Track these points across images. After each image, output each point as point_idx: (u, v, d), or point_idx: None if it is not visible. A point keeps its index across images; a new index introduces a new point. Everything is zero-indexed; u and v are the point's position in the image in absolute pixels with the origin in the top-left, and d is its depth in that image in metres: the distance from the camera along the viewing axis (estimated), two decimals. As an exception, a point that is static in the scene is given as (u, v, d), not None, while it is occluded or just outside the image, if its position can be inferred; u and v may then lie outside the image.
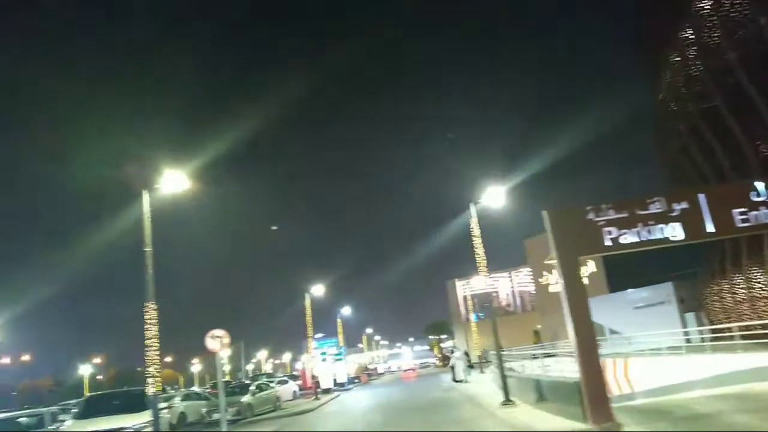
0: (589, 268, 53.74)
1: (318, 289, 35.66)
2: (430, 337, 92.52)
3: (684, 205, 11.74)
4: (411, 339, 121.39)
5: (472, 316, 66.75)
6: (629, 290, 35.99)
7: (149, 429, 13.90)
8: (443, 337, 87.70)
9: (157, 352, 13.64)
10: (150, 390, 14.05)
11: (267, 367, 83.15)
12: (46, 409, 19.71)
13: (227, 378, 60.85)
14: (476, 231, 17.30)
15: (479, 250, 17.19)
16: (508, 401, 16.74)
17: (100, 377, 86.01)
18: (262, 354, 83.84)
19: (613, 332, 32.91)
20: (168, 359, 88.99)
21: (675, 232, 11.63)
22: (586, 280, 39.92)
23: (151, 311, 13.38)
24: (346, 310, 51.03)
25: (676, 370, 16.53)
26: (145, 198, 13.32)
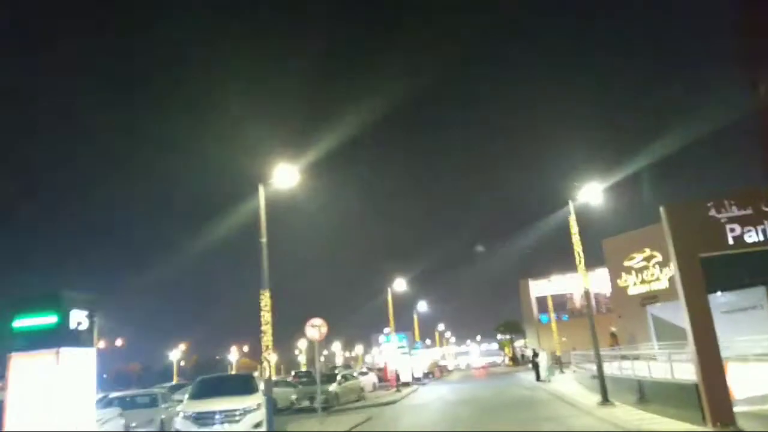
0: (670, 271, 51.55)
1: (399, 284, 36.03)
2: (499, 336, 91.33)
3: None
4: (478, 337, 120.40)
5: (547, 316, 65.59)
6: (717, 294, 34.37)
7: (258, 411, 14.52)
8: (509, 337, 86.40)
9: (271, 339, 14.22)
10: (265, 374, 14.67)
11: (338, 360, 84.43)
12: (158, 389, 20.97)
13: (303, 368, 62.37)
14: (575, 229, 16.99)
15: (578, 248, 16.88)
16: (606, 401, 16.44)
17: (182, 363, 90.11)
18: (335, 346, 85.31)
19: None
20: (245, 349, 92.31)
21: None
22: (666, 284, 38.52)
23: (266, 299, 13.99)
24: (422, 306, 51.16)
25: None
26: (261, 191, 13.94)
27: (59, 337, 6.64)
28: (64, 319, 6.68)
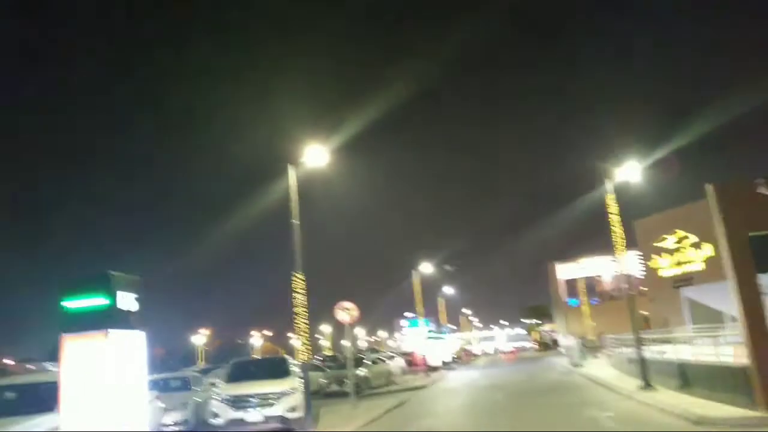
0: (705, 252, 50.52)
1: (425, 268, 35.82)
2: (525, 320, 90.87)
3: None
4: (504, 322, 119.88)
5: (576, 300, 64.85)
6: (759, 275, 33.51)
7: (293, 395, 14.48)
8: (536, 321, 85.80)
9: (306, 321, 14.13)
10: (301, 356, 14.61)
11: (362, 345, 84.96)
12: (190, 372, 21.12)
13: (328, 353, 62.80)
14: (613, 208, 16.53)
15: (617, 229, 16.43)
16: (647, 385, 16.07)
17: (206, 348, 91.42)
18: (359, 331, 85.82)
19: (734, 320, 30.84)
20: (268, 333, 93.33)
21: None
22: (701, 266, 37.68)
23: (299, 281, 13.88)
24: (448, 290, 50.93)
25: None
26: (292, 173, 13.79)
27: (109, 318, 6.60)
28: (114, 300, 6.62)
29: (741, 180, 11.50)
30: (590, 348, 35.45)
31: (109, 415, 6.33)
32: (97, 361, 6.42)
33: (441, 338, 42.17)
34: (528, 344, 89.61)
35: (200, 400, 16.69)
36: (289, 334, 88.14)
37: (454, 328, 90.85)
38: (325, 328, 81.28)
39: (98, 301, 6.58)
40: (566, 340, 29.98)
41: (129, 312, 6.80)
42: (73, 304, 6.62)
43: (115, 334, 6.53)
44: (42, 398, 9.43)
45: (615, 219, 16.52)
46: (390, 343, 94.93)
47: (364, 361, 28.22)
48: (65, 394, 6.43)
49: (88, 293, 6.60)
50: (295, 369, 16.33)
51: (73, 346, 6.55)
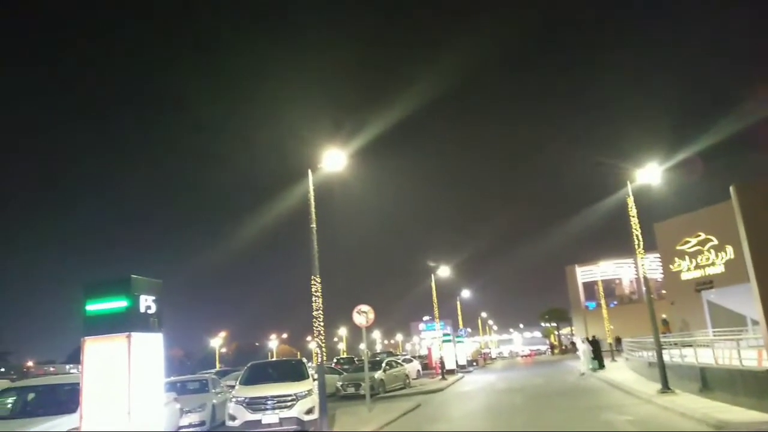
0: (726, 255, 49.87)
1: (443, 271, 35.72)
2: (543, 324, 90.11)
3: None
4: (521, 325, 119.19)
5: (594, 303, 64.22)
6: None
7: (310, 397, 14.51)
8: (554, 324, 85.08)
9: (323, 324, 14.17)
10: (317, 359, 14.65)
11: (378, 348, 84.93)
12: (208, 374, 21.30)
13: (344, 355, 62.83)
14: (633, 211, 16.35)
15: (636, 231, 16.25)
16: (667, 389, 15.87)
17: (223, 350, 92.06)
18: (375, 334, 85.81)
19: (755, 323, 30.37)
20: (284, 335, 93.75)
21: None
22: (722, 269, 37.09)
23: (316, 285, 13.94)
24: (465, 294, 50.76)
25: None
26: (310, 176, 13.86)
27: (130, 321, 6.68)
28: (135, 303, 6.70)
29: (765, 181, 11.30)
30: (606, 352, 35.09)
31: (129, 417, 6.40)
32: (118, 363, 6.50)
33: (458, 341, 41.98)
34: (545, 347, 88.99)
35: (217, 401, 16.84)
36: (307, 338, 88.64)
37: (471, 331, 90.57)
38: (342, 331, 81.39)
39: (120, 304, 6.66)
40: (581, 344, 29.65)
41: (149, 315, 6.88)
42: (95, 307, 6.71)
43: (135, 337, 6.61)
44: (62, 400, 9.59)
45: (634, 221, 16.31)
46: (407, 346, 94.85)
47: (381, 363, 28.20)
48: (86, 396, 6.51)
49: (110, 296, 6.69)
50: (312, 371, 16.38)
51: (95, 349, 6.65)
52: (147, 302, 6.83)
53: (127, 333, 6.58)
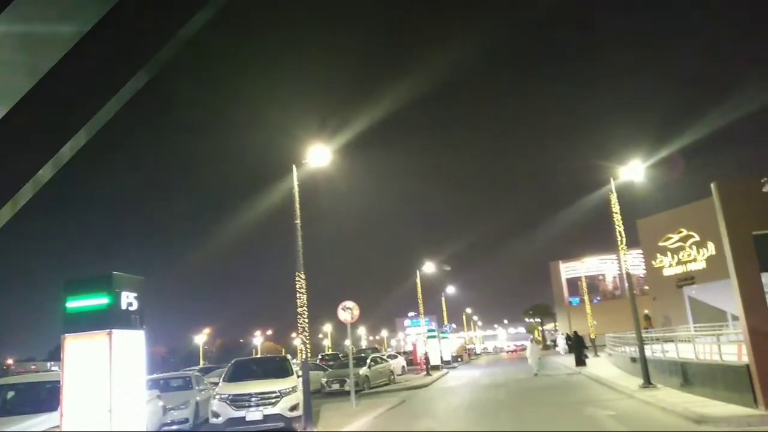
0: (707, 252, 50.58)
1: (428, 267, 35.79)
2: (527, 320, 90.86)
3: None
4: (506, 321, 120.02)
5: (577, 299, 64.82)
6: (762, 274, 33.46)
7: (294, 394, 14.47)
8: (538, 320, 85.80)
9: (307, 320, 14.14)
10: (301, 356, 14.63)
11: (363, 344, 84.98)
12: (191, 371, 21.15)
13: (329, 351, 62.83)
14: (616, 207, 16.51)
15: (619, 227, 16.41)
16: (648, 384, 16.06)
17: (207, 347, 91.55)
18: (361, 330, 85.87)
19: (735, 318, 30.82)
20: (269, 332, 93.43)
21: None
22: (703, 265, 37.58)
23: (300, 281, 13.90)
24: (450, 290, 50.96)
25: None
26: (295, 173, 13.79)
27: (111, 318, 6.58)
28: (116, 300, 6.61)
29: (746, 179, 11.48)
30: (593, 347, 35.46)
31: (110, 415, 6.33)
32: (99, 360, 6.42)
33: (443, 337, 42.16)
34: (529, 343, 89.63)
35: (201, 399, 16.72)
36: (292, 335, 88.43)
37: (456, 327, 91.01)
38: (327, 328, 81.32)
39: (101, 300, 6.57)
40: (562, 340, 29.92)
41: (131, 312, 6.79)
42: (75, 304, 6.62)
43: (117, 334, 6.53)
44: (42, 398, 9.46)
45: (618, 218, 16.47)
46: (392, 342, 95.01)
47: (366, 360, 28.20)
48: (66, 394, 6.42)
49: (91, 293, 6.59)
50: (296, 368, 16.32)
51: (75, 346, 6.55)
52: (128, 299, 6.74)
53: (108, 330, 6.48)
